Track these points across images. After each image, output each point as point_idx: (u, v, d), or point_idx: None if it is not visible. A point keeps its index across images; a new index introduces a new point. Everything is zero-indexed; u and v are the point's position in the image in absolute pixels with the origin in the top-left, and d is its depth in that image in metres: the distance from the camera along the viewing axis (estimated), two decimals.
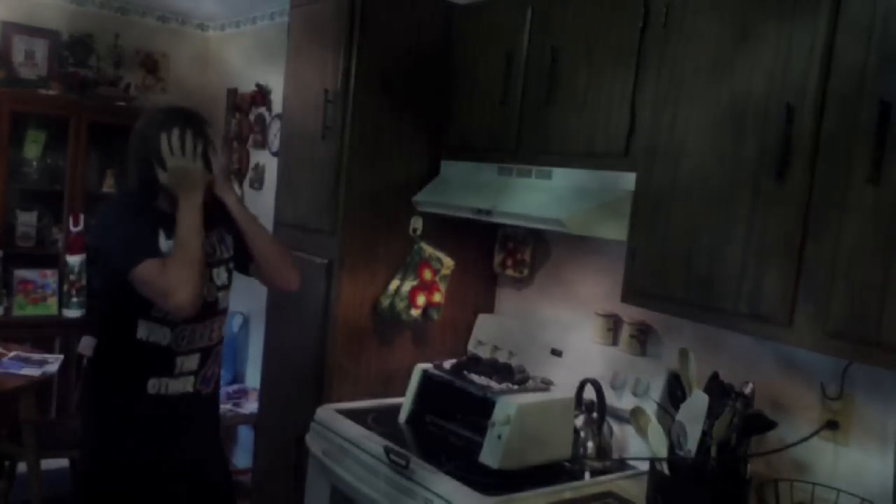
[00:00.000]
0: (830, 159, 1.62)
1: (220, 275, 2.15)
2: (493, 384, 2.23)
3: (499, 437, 2.05)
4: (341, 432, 2.36)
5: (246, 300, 3.74)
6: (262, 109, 4.43)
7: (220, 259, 2.15)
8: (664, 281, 1.95)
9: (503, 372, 2.31)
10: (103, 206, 2.26)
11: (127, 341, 2.01)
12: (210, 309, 2.10)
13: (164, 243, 1.99)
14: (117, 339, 2.05)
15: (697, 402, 1.87)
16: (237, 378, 4.36)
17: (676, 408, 1.96)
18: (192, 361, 2.09)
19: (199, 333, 2.09)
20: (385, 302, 2.68)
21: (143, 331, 2.01)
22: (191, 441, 2.13)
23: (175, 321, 2.01)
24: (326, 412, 2.49)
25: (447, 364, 2.43)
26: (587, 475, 2.17)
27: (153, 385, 2.03)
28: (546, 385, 2.29)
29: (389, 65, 2.63)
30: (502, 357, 2.72)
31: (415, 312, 2.69)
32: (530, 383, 2.28)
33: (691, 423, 1.86)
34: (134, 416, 2.03)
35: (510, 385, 2.23)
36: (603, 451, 2.24)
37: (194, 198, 1.98)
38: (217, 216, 2.11)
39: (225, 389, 3.77)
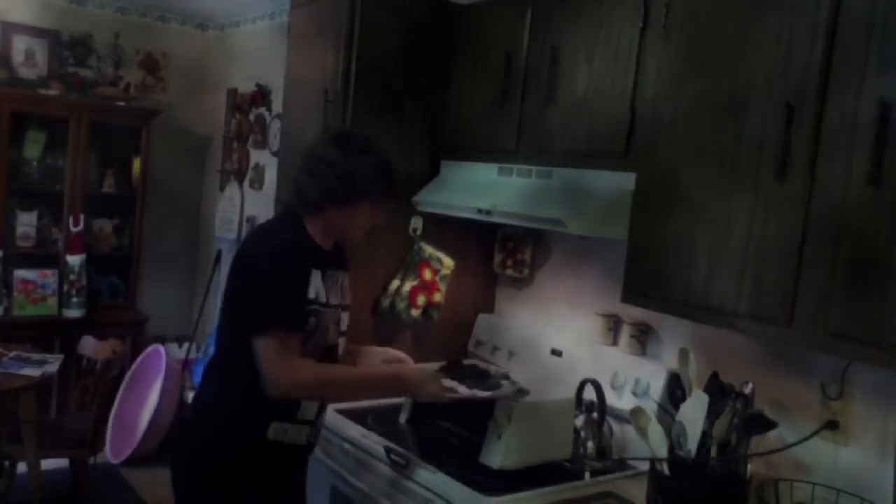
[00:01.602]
0: (830, 159, 1.62)
1: (343, 320, 2.05)
2: (461, 388, 2.14)
3: (499, 437, 2.05)
4: (341, 432, 2.36)
5: None
6: (262, 109, 4.44)
7: (348, 305, 2.07)
8: (664, 281, 1.95)
9: (478, 377, 2.22)
10: (263, 241, 1.96)
11: (255, 383, 1.85)
12: (332, 354, 2.00)
13: (314, 284, 1.90)
14: (244, 380, 1.87)
15: (697, 402, 1.87)
16: None
17: (676, 408, 1.96)
18: (311, 409, 1.97)
19: None
20: (385, 302, 2.68)
21: None
22: (288, 499, 2.05)
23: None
24: (327, 412, 2.49)
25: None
26: (587, 475, 2.17)
27: (274, 430, 1.91)
28: (523, 393, 2.15)
29: (389, 65, 2.64)
30: (502, 357, 2.73)
31: (415, 312, 2.69)
32: (501, 391, 2.13)
33: (691, 423, 1.86)
34: (251, 461, 1.91)
35: (479, 391, 2.14)
36: (603, 451, 2.24)
37: (416, 393, 1.95)
38: (342, 257, 2.08)
39: None
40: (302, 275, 1.89)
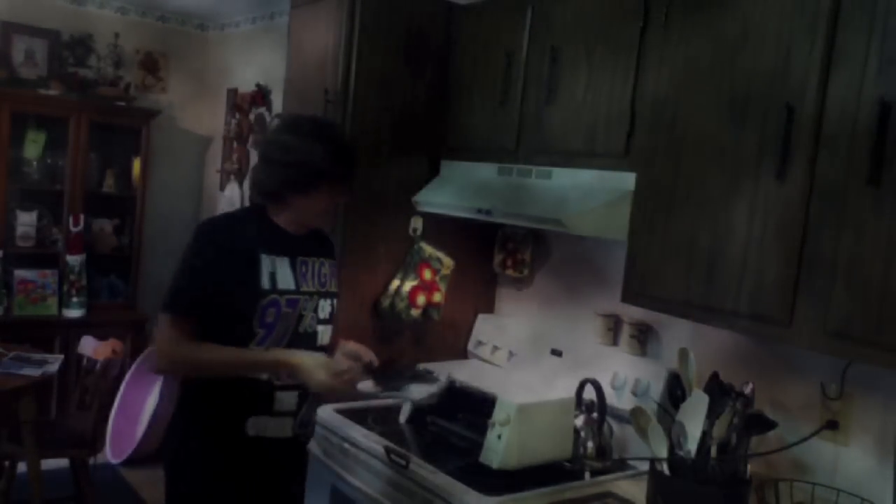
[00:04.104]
0: (830, 159, 1.62)
1: (323, 307, 1.99)
2: (370, 384, 2.06)
3: (499, 437, 2.05)
4: (341, 432, 2.36)
5: None
6: (262, 109, 4.43)
7: (328, 292, 2.01)
8: (664, 281, 1.95)
9: (413, 379, 2.16)
10: (205, 219, 2.00)
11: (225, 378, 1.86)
12: (309, 342, 1.94)
13: (267, 265, 1.86)
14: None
15: (697, 402, 1.87)
16: None
17: (676, 408, 1.96)
18: (290, 400, 1.92)
19: None
20: (385, 302, 2.68)
21: None
22: (282, 497, 2.02)
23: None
24: (326, 412, 2.49)
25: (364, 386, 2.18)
26: (587, 475, 2.16)
27: (253, 425, 1.88)
28: (431, 374, 2.17)
29: (389, 65, 2.64)
30: (502, 357, 2.72)
31: (415, 312, 2.69)
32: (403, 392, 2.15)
33: (691, 423, 1.86)
34: (232, 463, 1.88)
35: (380, 391, 2.10)
36: (603, 451, 2.24)
37: (307, 382, 1.82)
38: (320, 244, 2.05)
39: None
40: (219, 257, 1.84)
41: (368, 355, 1.98)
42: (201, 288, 1.84)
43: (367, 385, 1.98)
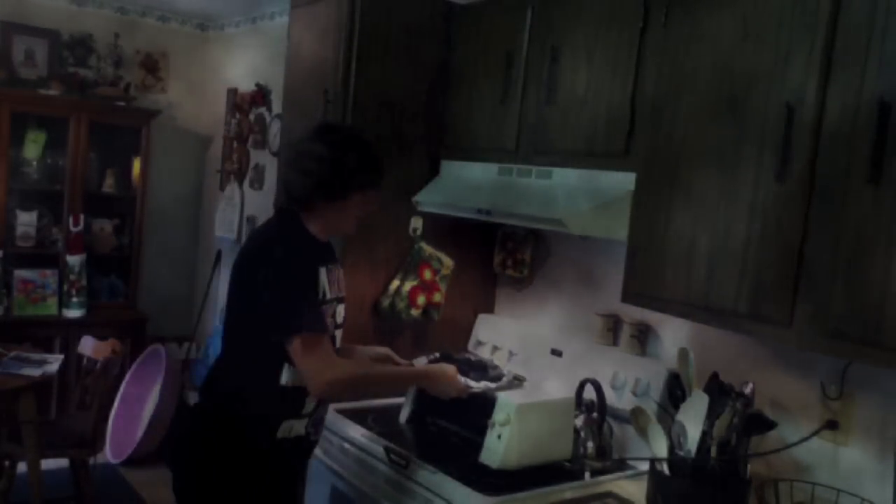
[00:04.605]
0: (830, 159, 1.62)
1: (340, 313, 2.04)
2: (471, 382, 2.19)
3: (499, 437, 2.05)
4: (341, 432, 2.36)
5: None
6: (262, 109, 4.44)
7: (343, 297, 2.07)
8: (664, 281, 1.95)
9: (478, 369, 2.27)
10: (269, 242, 1.96)
11: (270, 385, 1.88)
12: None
13: (321, 281, 1.92)
14: (258, 383, 1.91)
15: (697, 402, 1.87)
16: None
17: (676, 408, 1.96)
18: (312, 402, 1.97)
19: None
20: (385, 302, 2.68)
21: (288, 376, 1.89)
22: (289, 494, 2.04)
23: None
24: (327, 412, 2.49)
25: (423, 359, 2.37)
26: (587, 475, 2.16)
27: (284, 429, 1.92)
28: (519, 381, 2.25)
29: (389, 65, 2.63)
30: (502, 357, 2.72)
31: (415, 312, 2.69)
32: (504, 380, 2.23)
33: (691, 423, 1.86)
34: (263, 464, 1.91)
35: (487, 383, 2.19)
36: (603, 451, 2.24)
37: (442, 391, 2.05)
38: (335, 252, 2.07)
39: None
40: (313, 274, 1.90)
41: (395, 355, 2.19)
42: (317, 304, 1.89)
43: (472, 382, 2.15)
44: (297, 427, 1.96)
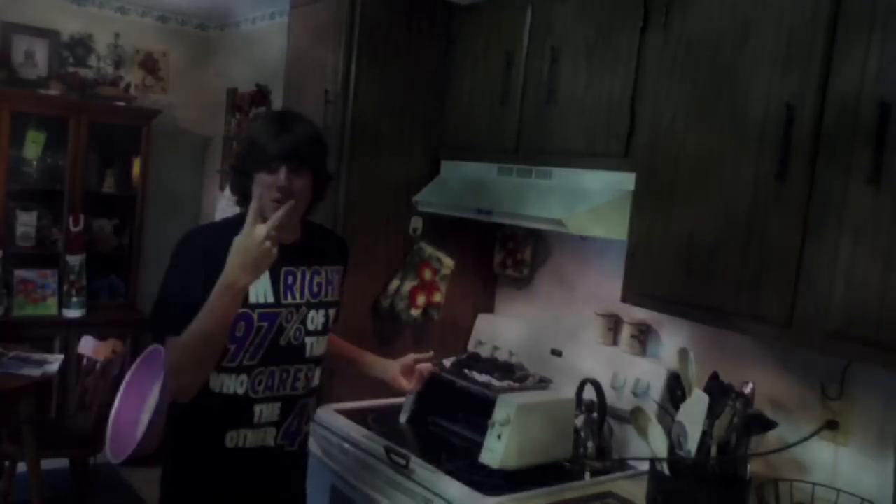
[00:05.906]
0: (830, 159, 1.62)
1: (314, 318, 1.87)
2: (495, 381, 2.23)
3: (499, 437, 2.05)
4: (341, 432, 2.36)
5: None
6: (262, 109, 4.43)
7: (322, 302, 1.89)
8: (664, 281, 1.95)
9: (504, 370, 2.31)
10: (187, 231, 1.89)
11: (201, 395, 1.77)
12: (294, 354, 1.85)
13: (234, 277, 1.64)
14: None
15: (697, 402, 1.87)
16: None
17: (676, 408, 1.96)
18: (272, 411, 1.85)
19: (278, 379, 1.83)
20: (385, 302, 2.68)
21: (215, 383, 1.78)
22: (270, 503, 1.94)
23: (251, 364, 1.79)
24: (326, 412, 2.49)
25: (447, 362, 2.42)
26: (587, 475, 2.16)
27: (231, 438, 1.82)
28: (545, 383, 2.30)
29: (389, 65, 2.64)
30: (502, 357, 2.72)
31: (415, 312, 2.69)
32: (530, 381, 2.28)
33: (691, 423, 1.86)
34: (213, 472, 1.84)
35: (511, 383, 2.23)
36: (603, 451, 2.24)
37: (241, 279, 1.64)
38: (321, 252, 1.91)
39: None
40: (193, 271, 1.73)
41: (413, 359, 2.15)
42: (182, 306, 1.70)
43: (494, 382, 2.17)
44: (254, 437, 1.83)
